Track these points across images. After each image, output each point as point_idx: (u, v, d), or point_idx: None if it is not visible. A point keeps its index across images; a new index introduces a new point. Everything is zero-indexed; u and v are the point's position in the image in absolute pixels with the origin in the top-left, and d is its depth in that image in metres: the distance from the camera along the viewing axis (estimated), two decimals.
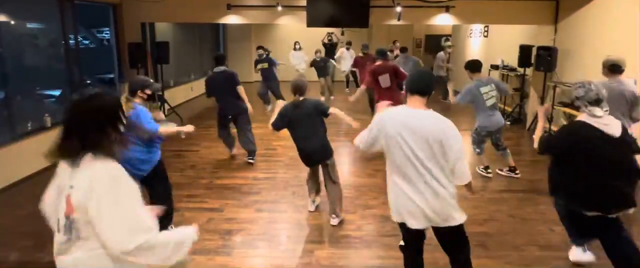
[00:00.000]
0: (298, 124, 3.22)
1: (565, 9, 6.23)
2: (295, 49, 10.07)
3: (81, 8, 5.82)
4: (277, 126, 3.29)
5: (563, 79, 6.19)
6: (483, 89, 4.20)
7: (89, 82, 6.69)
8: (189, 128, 3.05)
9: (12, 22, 5.01)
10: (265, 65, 7.88)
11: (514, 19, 6.63)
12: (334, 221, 3.36)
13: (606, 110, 2.28)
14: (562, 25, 6.32)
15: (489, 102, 4.22)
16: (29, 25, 5.45)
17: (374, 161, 5.05)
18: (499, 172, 4.65)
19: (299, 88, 3.21)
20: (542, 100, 6.53)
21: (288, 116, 3.23)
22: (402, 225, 2.17)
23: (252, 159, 4.96)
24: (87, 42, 8.41)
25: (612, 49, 5.26)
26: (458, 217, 2.12)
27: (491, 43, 9.08)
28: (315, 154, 3.26)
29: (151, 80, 2.98)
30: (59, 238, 1.39)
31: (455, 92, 4.67)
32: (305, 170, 4.76)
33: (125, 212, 1.32)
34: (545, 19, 6.49)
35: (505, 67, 7.87)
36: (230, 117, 4.90)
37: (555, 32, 6.43)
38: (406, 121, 2.01)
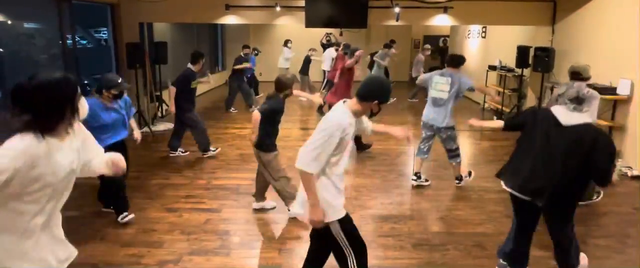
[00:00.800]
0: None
1: (562, 10, 6.25)
2: (288, 47, 10.18)
3: (79, 8, 5.80)
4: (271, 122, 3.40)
5: (560, 79, 6.21)
6: (436, 79, 4.03)
7: (86, 82, 6.67)
8: (137, 134, 3.47)
9: (10, 22, 4.99)
10: (248, 65, 8.06)
11: (511, 20, 6.66)
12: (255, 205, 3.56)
13: (586, 110, 2.28)
14: (560, 26, 6.35)
15: (433, 93, 4.04)
16: (26, 25, 5.44)
17: (371, 161, 5.06)
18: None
19: (279, 84, 3.30)
20: (539, 101, 6.55)
21: (277, 113, 3.36)
22: None
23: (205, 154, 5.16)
24: (84, 42, 8.38)
25: (609, 50, 5.28)
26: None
27: (489, 44, 9.11)
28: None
29: (119, 80, 3.15)
30: None
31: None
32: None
33: None
34: (543, 20, 6.52)
35: (503, 67, 7.89)
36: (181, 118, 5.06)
37: (553, 33, 6.45)
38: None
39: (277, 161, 3.40)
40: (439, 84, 4.01)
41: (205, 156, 5.15)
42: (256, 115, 3.22)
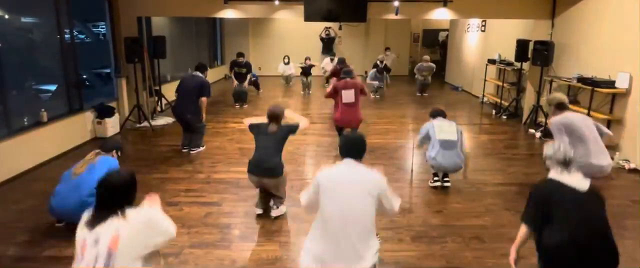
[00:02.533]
0: (265, 139, 3.36)
1: (562, 4, 6.24)
2: (284, 62, 10.64)
3: (76, 2, 5.77)
4: (251, 128, 3.49)
5: (559, 73, 6.22)
6: (438, 123, 3.98)
7: (84, 76, 6.66)
8: None
9: (7, 16, 4.96)
10: (244, 70, 8.06)
11: (511, 13, 6.64)
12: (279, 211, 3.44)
13: (576, 171, 2.18)
14: (559, 19, 6.34)
15: (443, 136, 3.88)
16: (23, 20, 5.41)
17: (370, 154, 5.07)
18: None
19: (275, 117, 3.35)
20: (538, 95, 6.56)
21: (262, 133, 3.39)
22: None
23: (193, 150, 5.18)
24: (82, 36, 8.34)
25: (608, 43, 5.29)
26: None
27: (488, 37, 9.09)
28: (267, 170, 3.30)
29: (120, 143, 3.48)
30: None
31: None
32: (303, 164, 4.80)
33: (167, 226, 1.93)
34: (543, 14, 6.50)
35: (502, 61, 7.89)
36: (181, 119, 5.10)
37: (553, 27, 6.44)
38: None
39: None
40: (445, 126, 3.93)
41: (192, 152, 5.16)
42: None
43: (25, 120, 4.73)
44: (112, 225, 1.76)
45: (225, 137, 5.92)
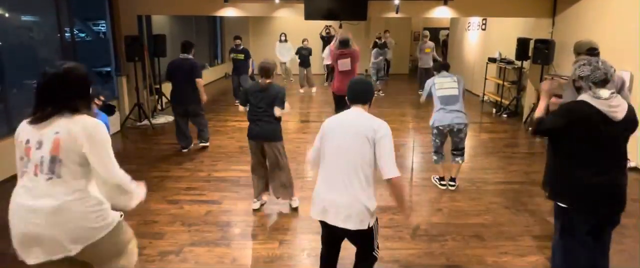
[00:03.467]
0: (257, 103, 3.32)
1: (563, 2, 6.23)
2: (280, 40, 10.15)
3: (77, 0, 5.77)
4: (242, 102, 3.44)
5: (560, 71, 6.21)
6: (439, 80, 3.90)
7: None
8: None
9: (7, 15, 4.96)
10: (241, 56, 7.79)
11: (512, 11, 6.63)
12: (294, 202, 3.52)
13: (613, 92, 1.99)
14: (560, 18, 6.33)
15: (443, 92, 3.82)
16: (24, 18, 5.41)
17: None
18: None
19: (266, 70, 3.30)
20: (538, 93, 6.56)
21: (250, 94, 3.35)
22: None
23: (205, 143, 5.23)
24: (83, 35, 8.34)
25: (609, 42, 5.27)
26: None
27: (489, 36, 9.08)
28: (262, 134, 3.33)
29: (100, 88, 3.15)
30: (35, 180, 1.60)
31: None
32: (303, 162, 4.80)
33: (111, 152, 1.67)
34: (543, 12, 6.49)
35: (502, 60, 7.88)
36: (183, 106, 4.97)
37: (553, 25, 6.43)
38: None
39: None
40: (445, 83, 3.83)
41: (204, 145, 5.26)
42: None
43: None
44: (56, 126, 1.57)
45: (225, 136, 5.93)
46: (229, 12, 6.63)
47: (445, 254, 2.89)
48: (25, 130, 1.65)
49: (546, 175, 2.28)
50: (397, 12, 6.51)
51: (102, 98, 2.99)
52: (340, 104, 5.39)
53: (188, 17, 9.97)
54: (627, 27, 4.90)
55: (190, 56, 4.93)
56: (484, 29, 9.34)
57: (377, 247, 2.17)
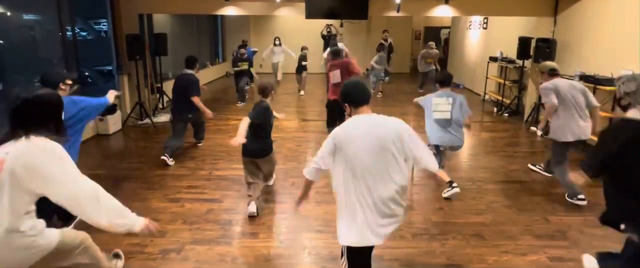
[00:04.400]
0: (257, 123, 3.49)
1: (565, 1, 6.21)
2: (275, 44, 10.04)
3: None
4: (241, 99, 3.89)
5: (562, 71, 6.18)
6: (435, 100, 3.82)
7: (86, 73, 6.67)
8: (112, 94, 3.24)
9: (9, 14, 4.97)
10: (245, 66, 7.95)
11: (513, 10, 6.62)
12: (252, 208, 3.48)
13: None
14: (562, 17, 6.31)
15: (435, 115, 3.79)
16: (25, 17, 5.42)
17: None
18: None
19: (263, 90, 3.56)
20: (538, 94, 6.55)
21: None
22: None
23: (200, 143, 5.40)
24: (84, 33, 8.35)
25: (611, 41, 5.27)
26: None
27: (490, 35, 9.07)
28: (257, 151, 3.56)
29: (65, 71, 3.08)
30: None
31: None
32: (304, 162, 4.80)
33: (70, 166, 1.68)
34: (545, 11, 6.48)
35: (503, 59, 7.87)
36: (182, 115, 4.86)
37: (555, 24, 6.42)
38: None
39: None
40: (440, 105, 3.80)
41: (200, 144, 5.36)
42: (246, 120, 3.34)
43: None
44: (8, 147, 1.61)
45: (227, 134, 5.93)
46: (229, 10, 6.63)
47: (446, 253, 2.90)
48: None
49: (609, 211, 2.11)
50: (398, 11, 6.50)
51: (68, 82, 2.92)
52: (334, 112, 5.20)
53: (189, 15, 9.96)
54: (629, 25, 4.89)
55: (192, 71, 4.87)
56: (485, 28, 9.33)
57: None
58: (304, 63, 9.23)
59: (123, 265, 2.65)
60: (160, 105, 7.48)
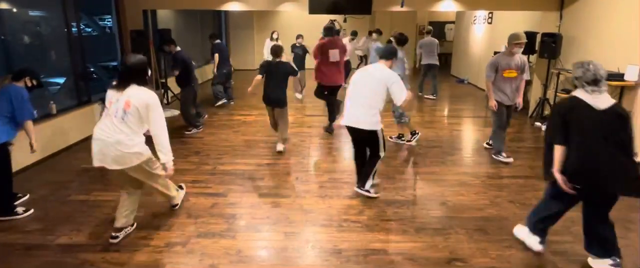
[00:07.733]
0: (271, 76, 4.68)
1: None
2: (271, 38, 9.07)
3: None
4: (260, 72, 4.72)
5: (567, 66, 6.15)
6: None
7: (92, 69, 6.71)
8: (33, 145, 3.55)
9: (15, 10, 5.01)
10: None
11: (518, 5, 6.56)
12: (280, 147, 4.84)
13: (604, 89, 2.37)
14: (568, 11, 6.25)
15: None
16: (31, 13, 5.45)
17: None
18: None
19: (277, 52, 4.78)
20: (545, 88, 6.50)
21: (267, 68, 4.71)
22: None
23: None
24: (89, 29, 8.40)
25: (617, 36, 5.21)
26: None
27: (495, 30, 9.00)
28: (274, 100, 4.74)
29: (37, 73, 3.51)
30: (110, 122, 2.72)
31: None
32: (308, 157, 4.83)
33: (162, 116, 2.82)
34: (551, 6, 6.42)
35: None
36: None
37: (561, 19, 6.36)
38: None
39: None
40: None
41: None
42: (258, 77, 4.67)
43: (34, 112, 4.79)
44: (126, 93, 2.69)
45: (231, 129, 5.96)
46: (233, 6, 6.63)
47: (449, 247, 2.91)
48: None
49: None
50: (402, 6, 6.47)
51: (33, 81, 3.41)
52: (324, 95, 5.72)
53: (193, 11, 9.97)
54: (635, 20, 4.84)
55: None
56: (490, 23, 9.26)
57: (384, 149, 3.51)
58: (296, 52, 8.04)
59: (184, 194, 3.62)
60: (165, 101, 7.52)
